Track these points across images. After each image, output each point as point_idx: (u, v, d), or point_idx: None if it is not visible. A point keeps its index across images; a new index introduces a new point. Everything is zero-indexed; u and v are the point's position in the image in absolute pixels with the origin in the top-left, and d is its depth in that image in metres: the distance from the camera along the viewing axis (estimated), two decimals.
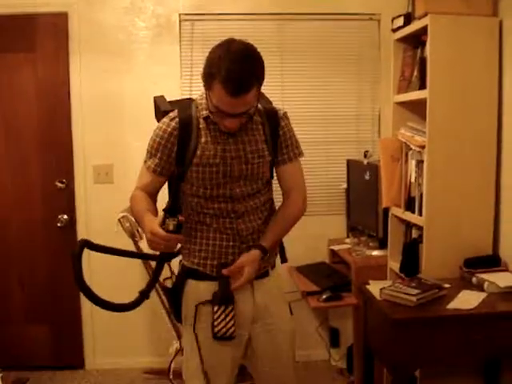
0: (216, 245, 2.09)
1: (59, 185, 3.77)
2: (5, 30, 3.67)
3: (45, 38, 3.71)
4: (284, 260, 2.30)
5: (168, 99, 2.29)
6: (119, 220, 3.16)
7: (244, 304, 2.09)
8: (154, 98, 2.32)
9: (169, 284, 2.23)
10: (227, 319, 2.02)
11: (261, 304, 2.14)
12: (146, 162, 2.10)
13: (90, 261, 3.48)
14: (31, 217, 3.81)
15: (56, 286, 3.86)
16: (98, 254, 2.37)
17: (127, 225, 3.14)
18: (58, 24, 3.70)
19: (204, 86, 1.93)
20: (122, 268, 3.53)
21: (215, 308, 2.02)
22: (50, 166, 3.77)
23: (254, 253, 2.06)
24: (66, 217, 3.79)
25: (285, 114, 2.18)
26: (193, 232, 2.12)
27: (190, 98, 2.28)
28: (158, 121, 2.18)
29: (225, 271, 2.03)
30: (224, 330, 2.01)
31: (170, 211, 1.90)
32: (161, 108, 2.22)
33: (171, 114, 2.07)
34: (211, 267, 2.09)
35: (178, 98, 2.36)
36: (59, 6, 3.67)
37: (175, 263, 2.36)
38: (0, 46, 3.69)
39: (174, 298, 2.19)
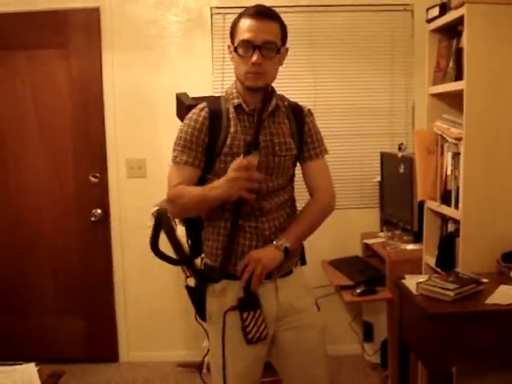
0: (239, 244, 2.05)
1: (93, 179, 3.80)
2: (38, 26, 3.71)
3: (77, 34, 3.73)
4: (303, 262, 2.26)
5: (191, 96, 2.30)
6: (153, 214, 3.16)
7: (268, 303, 2.07)
8: (177, 94, 2.31)
9: (191, 283, 2.19)
10: (258, 323, 2.00)
11: (285, 302, 2.11)
12: (177, 157, 2.04)
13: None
14: (65, 211, 3.85)
15: (90, 280, 3.91)
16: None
17: None
18: (90, 19, 3.72)
19: (230, 46, 2.05)
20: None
21: (244, 315, 2.00)
22: (83, 160, 3.81)
23: (274, 252, 2.04)
24: (99, 211, 3.82)
25: (309, 110, 2.19)
26: (216, 230, 2.08)
27: (212, 96, 2.27)
28: (180, 117, 2.18)
29: (240, 268, 2.02)
30: (257, 334, 2.00)
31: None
32: (185, 103, 2.20)
33: (200, 106, 2.06)
34: (233, 266, 2.06)
35: (201, 96, 2.31)
36: (91, 2, 3.71)
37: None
38: (33, 42, 3.73)
39: (198, 297, 2.16)
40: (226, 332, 2.03)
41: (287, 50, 2.07)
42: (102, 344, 3.98)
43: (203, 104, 2.06)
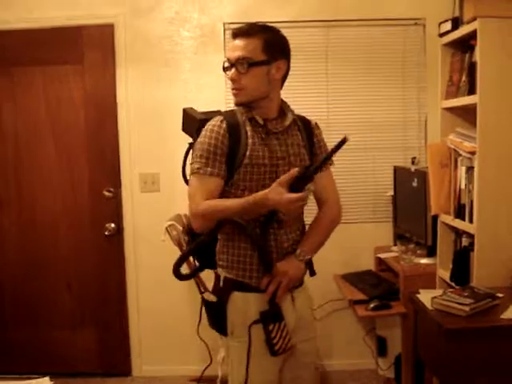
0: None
1: (107, 194, 3.83)
2: (53, 42, 3.76)
3: (92, 50, 3.78)
4: (313, 273, 2.24)
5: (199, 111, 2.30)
6: (166, 228, 3.17)
7: (287, 314, 2.08)
8: (185, 109, 2.32)
9: (210, 298, 2.16)
10: (283, 334, 2.02)
11: (299, 313, 2.15)
12: (200, 169, 2.02)
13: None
14: (79, 225, 3.87)
15: (103, 294, 3.92)
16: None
17: (174, 233, 3.15)
18: (104, 35, 3.77)
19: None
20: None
21: (270, 327, 2.00)
22: (97, 175, 3.83)
23: (298, 264, 2.08)
24: (113, 225, 3.84)
25: (316, 123, 2.25)
26: (235, 243, 2.09)
27: (219, 111, 2.25)
28: (188, 132, 2.22)
29: (266, 281, 2.03)
30: (283, 345, 2.02)
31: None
32: (197, 117, 2.20)
33: (217, 118, 2.07)
34: (257, 279, 2.06)
35: (209, 110, 2.28)
36: (106, 18, 3.75)
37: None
38: (48, 58, 3.78)
39: (218, 312, 2.13)
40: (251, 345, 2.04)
41: (283, 63, 2.09)
42: (114, 358, 3.98)
43: (220, 117, 2.07)
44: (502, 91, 2.70)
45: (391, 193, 3.80)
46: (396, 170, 3.77)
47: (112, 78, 3.78)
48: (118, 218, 3.85)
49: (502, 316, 2.36)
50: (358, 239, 3.83)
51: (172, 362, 3.96)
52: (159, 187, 3.82)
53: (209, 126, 2.06)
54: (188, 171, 2.14)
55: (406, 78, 3.85)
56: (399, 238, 3.70)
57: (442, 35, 3.12)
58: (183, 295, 3.80)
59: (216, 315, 2.14)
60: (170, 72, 3.79)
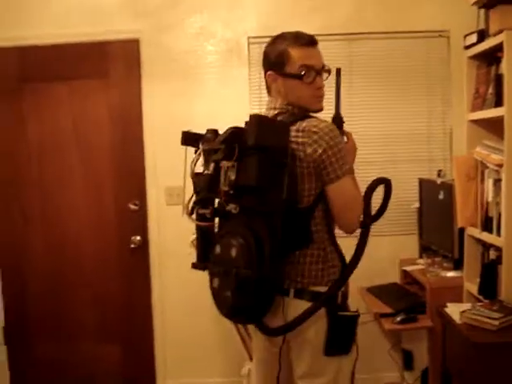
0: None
1: (132, 207, 3.86)
2: (79, 57, 3.81)
3: (117, 64, 3.82)
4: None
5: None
6: (192, 242, 3.18)
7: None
8: (184, 131, 2.32)
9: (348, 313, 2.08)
10: None
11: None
12: (351, 169, 2.02)
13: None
14: (105, 238, 3.90)
15: (128, 307, 3.94)
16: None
17: None
18: (129, 50, 3.81)
19: (279, 72, 2.08)
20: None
21: None
22: (123, 188, 3.87)
23: None
24: (138, 238, 3.86)
25: None
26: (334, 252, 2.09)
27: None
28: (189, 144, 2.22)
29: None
30: None
31: None
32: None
33: (329, 122, 2.04)
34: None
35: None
36: (131, 33, 3.79)
37: None
38: (74, 72, 3.82)
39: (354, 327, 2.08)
40: None
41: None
42: (139, 371, 3.98)
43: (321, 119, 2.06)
44: None
45: (417, 205, 3.79)
46: (421, 182, 3.75)
47: (137, 92, 3.82)
48: (143, 231, 3.88)
49: None
50: (384, 252, 3.81)
51: (197, 374, 3.95)
52: (185, 200, 3.82)
53: (331, 127, 2.00)
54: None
55: (430, 90, 3.84)
56: (425, 250, 3.68)
57: (467, 48, 3.12)
58: (208, 308, 3.78)
59: (350, 331, 2.07)
60: (195, 86, 3.82)
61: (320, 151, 1.93)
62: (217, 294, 2.02)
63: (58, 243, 3.92)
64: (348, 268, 2.05)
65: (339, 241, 2.10)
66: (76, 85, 3.84)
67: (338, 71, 2.10)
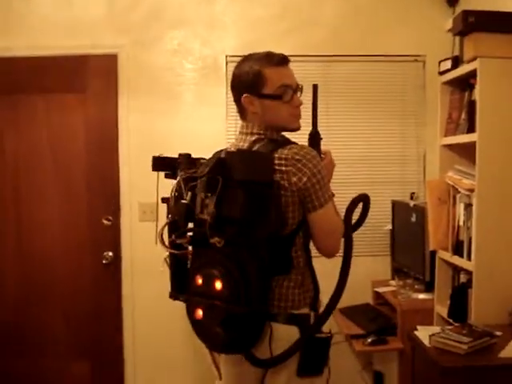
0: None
1: (105, 222, 3.83)
2: (57, 70, 3.79)
3: (95, 79, 3.81)
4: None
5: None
6: (165, 259, 3.16)
7: None
8: (155, 157, 2.30)
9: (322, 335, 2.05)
10: None
11: None
12: (332, 194, 2.02)
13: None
14: (78, 253, 3.86)
15: (100, 323, 3.89)
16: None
17: None
18: (107, 65, 3.80)
19: (255, 94, 2.01)
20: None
21: None
22: (97, 203, 3.84)
23: None
24: (111, 254, 3.83)
25: None
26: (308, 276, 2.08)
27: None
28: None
29: None
30: None
31: None
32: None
33: (309, 147, 2.02)
34: None
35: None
36: (109, 48, 3.79)
37: None
38: (51, 86, 3.80)
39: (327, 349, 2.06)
40: None
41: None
42: None
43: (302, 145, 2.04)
44: (501, 130, 2.73)
45: (389, 227, 3.81)
46: (394, 204, 3.79)
47: (114, 107, 3.81)
48: (115, 246, 3.85)
49: (500, 355, 2.35)
50: (356, 273, 3.76)
51: None
52: (158, 217, 3.81)
53: (313, 154, 1.97)
54: None
55: (405, 113, 3.89)
56: (397, 272, 3.71)
57: (441, 73, 3.17)
58: (180, 326, 3.77)
59: (324, 352, 2.05)
60: (172, 103, 3.82)
61: (305, 179, 1.91)
62: (202, 328, 1.96)
63: (29, 257, 3.87)
64: (336, 291, 2.06)
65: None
66: (53, 97, 3.82)
67: (315, 87, 2.10)
